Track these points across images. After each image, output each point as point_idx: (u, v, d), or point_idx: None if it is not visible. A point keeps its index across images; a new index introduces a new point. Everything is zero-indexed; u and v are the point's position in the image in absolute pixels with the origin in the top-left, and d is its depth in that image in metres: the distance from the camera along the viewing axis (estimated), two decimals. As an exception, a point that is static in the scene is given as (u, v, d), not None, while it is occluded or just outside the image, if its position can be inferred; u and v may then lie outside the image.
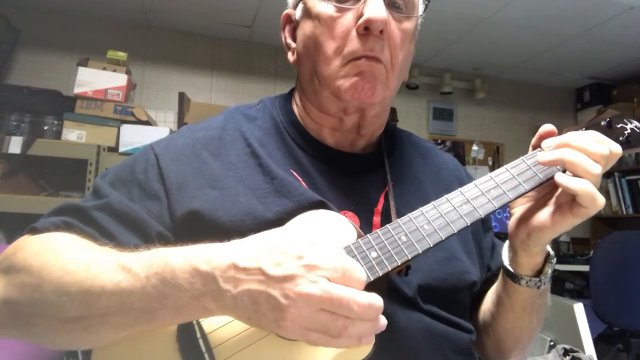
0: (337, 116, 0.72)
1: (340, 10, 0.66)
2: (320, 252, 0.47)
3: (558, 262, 3.19)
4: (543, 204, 0.60)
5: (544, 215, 0.59)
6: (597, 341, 2.10)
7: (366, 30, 0.64)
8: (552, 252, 0.65)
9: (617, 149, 0.58)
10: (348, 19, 0.66)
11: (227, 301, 0.47)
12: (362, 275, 0.48)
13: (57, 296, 0.52)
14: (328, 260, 0.47)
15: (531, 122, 3.99)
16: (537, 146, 0.63)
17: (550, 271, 0.64)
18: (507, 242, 0.68)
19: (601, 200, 0.54)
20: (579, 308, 1.47)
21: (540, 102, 4.11)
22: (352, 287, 0.47)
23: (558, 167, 0.59)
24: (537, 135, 0.63)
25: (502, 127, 4.02)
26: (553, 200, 0.59)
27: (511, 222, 0.64)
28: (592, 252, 2.81)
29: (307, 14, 0.70)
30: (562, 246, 3.64)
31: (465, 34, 3.20)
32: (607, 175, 3.76)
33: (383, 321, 0.49)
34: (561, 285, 3.17)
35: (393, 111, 3.60)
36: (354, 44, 0.65)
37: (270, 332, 0.55)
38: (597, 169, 0.55)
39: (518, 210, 0.64)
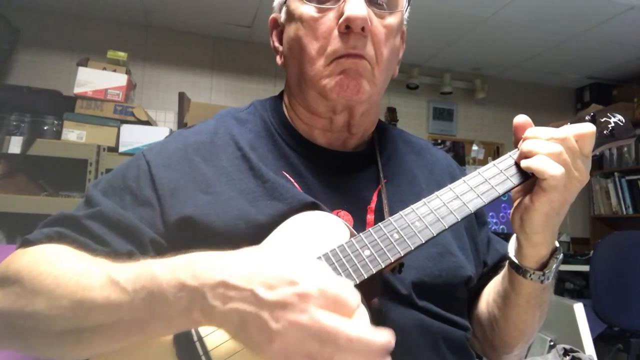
0: (326, 116, 0.72)
1: (322, 11, 0.67)
2: (314, 278, 0.46)
3: (558, 262, 3.19)
4: (529, 190, 0.62)
5: (527, 197, 0.62)
6: (597, 341, 2.10)
7: (347, 28, 0.65)
8: (559, 247, 0.66)
9: (573, 128, 0.61)
10: (329, 18, 0.67)
11: (214, 316, 0.47)
12: (354, 303, 0.46)
13: (49, 309, 0.52)
14: (322, 287, 0.45)
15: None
16: (518, 140, 0.65)
17: (555, 266, 0.65)
18: (513, 238, 0.69)
19: (553, 169, 0.57)
20: (579, 308, 1.47)
21: (540, 102, 4.11)
22: (344, 315, 0.45)
23: None
24: (513, 129, 0.65)
25: (502, 127, 4.02)
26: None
27: (511, 213, 0.66)
28: (592, 252, 2.80)
29: (290, 16, 0.71)
30: (562, 246, 3.61)
31: (465, 34, 3.20)
32: (607, 175, 3.77)
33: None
34: (561, 285, 3.17)
35: (393, 111, 3.61)
36: (336, 43, 0.66)
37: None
38: (549, 146, 0.59)
39: (516, 200, 0.65)
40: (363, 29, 0.65)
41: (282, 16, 0.75)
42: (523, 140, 0.62)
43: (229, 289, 0.46)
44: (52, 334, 0.53)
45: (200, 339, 0.54)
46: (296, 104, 0.75)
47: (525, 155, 0.60)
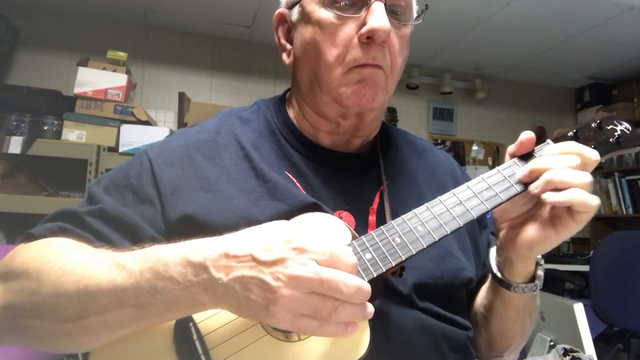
0: (334, 120, 0.72)
1: (342, 19, 0.66)
2: (309, 236, 0.49)
3: (558, 262, 3.19)
4: (538, 217, 0.60)
5: (544, 226, 0.59)
6: (597, 341, 2.10)
7: (369, 39, 0.64)
8: (539, 256, 0.66)
9: (588, 153, 0.58)
10: (350, 26, 0.66)
11: (218, 290, 0.48)
12: (350, 258, 0.49)
13: (55, 297, 0.53)
14: (316, 243, 0.48)
15: (531, 122, 3.99)
16: (514, 153, 0.63)
17: (542, 274, 0.65)
18: (493, 253, 0.68)
19: (593, 201, 0.55)
20: (579, 308, 1.47)
21: (540, 102, 4.11)
22: (340, 270, 0.48)
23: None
24: (518, 142, 0.62)
25: (502, 127, 4.02)
26: (548, 212, 0.59)
27: (506, 239, 0.63)
28: (592, 252, 2.80)
29: (306, 18, 0.70)
30: (562, 246, 3.64)
31: (465, 34, 3.20)
32: (607, 175, 3.76)
33: (370, 308, 0.50)
34: (561, 285, 3.16)
35: (393, 111, 3.60)
36: (356, 52, 0.65)
37: (264, 327, 0.55)
38: (583, 177, 0.55)
39: (507, 225, 0.63)
40: (383, 40, 0.65)
41: (295, 16, 0.72)
42: (546, 170, 0.57)
43: (230, 258, 0.48)
44: (57, 323, 0.53)
45: (200, 337, 0.54)
46: (304, 105, 0.75)
47: (549, 185, 0.56)
